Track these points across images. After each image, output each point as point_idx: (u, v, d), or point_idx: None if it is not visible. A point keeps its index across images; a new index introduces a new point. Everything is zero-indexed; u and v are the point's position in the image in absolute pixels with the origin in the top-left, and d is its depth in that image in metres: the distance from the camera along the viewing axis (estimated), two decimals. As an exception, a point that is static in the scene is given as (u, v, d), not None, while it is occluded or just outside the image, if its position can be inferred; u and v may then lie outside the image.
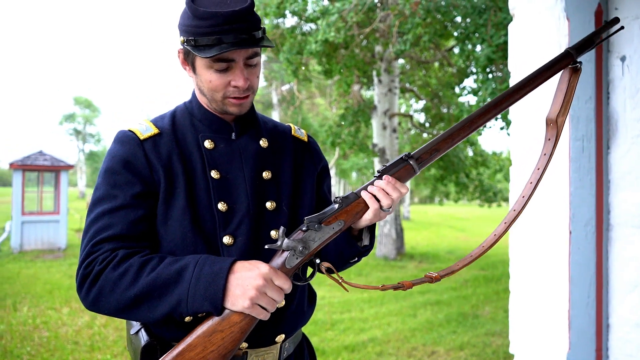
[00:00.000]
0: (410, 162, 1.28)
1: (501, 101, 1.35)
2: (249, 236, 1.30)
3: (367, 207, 1.27)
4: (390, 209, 1.28)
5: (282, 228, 1.20)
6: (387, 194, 1.26)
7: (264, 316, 1.15)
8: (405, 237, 14.73)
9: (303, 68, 11.60)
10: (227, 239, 1.28)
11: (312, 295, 1.49)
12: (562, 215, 1.91)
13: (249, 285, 1.12)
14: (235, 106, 1.31)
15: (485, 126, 11.88)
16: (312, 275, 1.29)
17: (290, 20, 10.47)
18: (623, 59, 1.81)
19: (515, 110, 2.17)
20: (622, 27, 1.47)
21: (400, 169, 1.29)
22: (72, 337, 5.39)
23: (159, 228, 1.28)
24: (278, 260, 1.21)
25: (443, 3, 7.95)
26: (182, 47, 1.31)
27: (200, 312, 1.13)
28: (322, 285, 8.22)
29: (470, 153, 14.97)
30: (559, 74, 1.42)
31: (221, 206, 1.29)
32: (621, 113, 1.81)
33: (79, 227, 17.21)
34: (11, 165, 11.80)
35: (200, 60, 1.27)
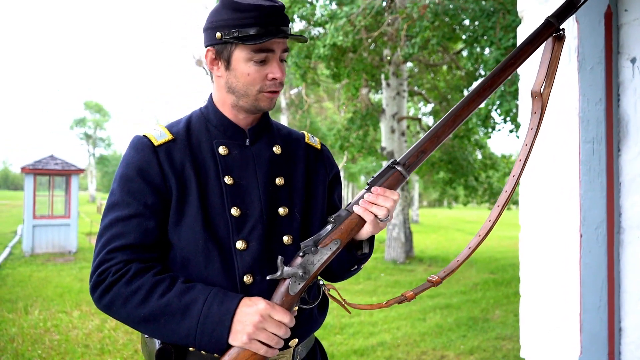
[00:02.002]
0: (398, 169, 1.27)
1: (484, 88, 1.31)
2: (262, 241, 1.31)
3: (363, 221, 1.27)
4: (388, 218, 1.27)
5: (280, 257, 1.23)
6: (380, 205, 1.25)
7: (264, 351, 1.17)
8: (414, 240, 14.68)
9: (311, 72, 11.62)
10: (240, 244, 1.29)
11: (324, 302, 1.50)
12: (573, 218, 1.90)
13: (247, 321, 1.15)
14: (268, 100, 1.33)
15: (494, 129, 11.82)
16: (319, 298, 1.32)
17: (298, 25, 10.49)
18: (633, 60, 1.80)
19: (524, 112, 2.16)
20: None
21: (389, 178, 1.28)
22: (83, 341, 5.42)
23: (171, 235, 1.30)
24: (281, 289, 1.23)
25: (451, 6, 7.94)
26: (212, 46, 1.32)
27: (206, 350, 1.18)
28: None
29: (479, 156, 14.91)
30: (543, 45, 1.35)
31: (234, 211, 1.30)
32: (632, 115, 1.80)
33: (90, 230, 17.35)
34: (23, 169, 11.92)
35: (238, 54, 1.29)
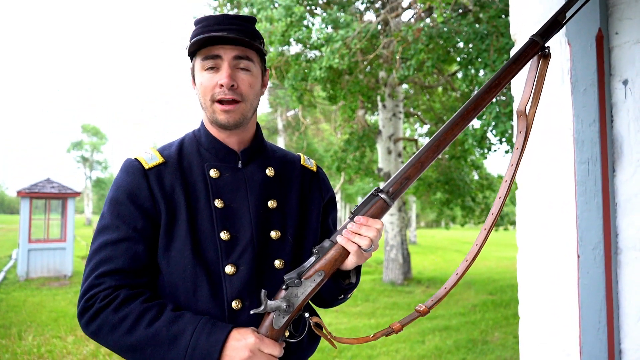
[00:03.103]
0: (382, 196, 1.24)
1: (468, 110, 1.27)
2: (252, 265, 1.29)
3: (347, 252, 1.23)
4: (372, 247, 1.24)
5: (263, 291, 1.20)
6: (363, 235, 1.22)
7: None
8: (412, 261, 14.61)
9: (308, 94, 11.71)
10: (229, 269, 1.27)
11: (313, 332, 1.46)
12: (570, 239, 1.90)
13: (237, 357, 1.14)
14: (223, 114, 1.29)
15: (489, 150, 11.88)
16: (304, 331, 1.28)
17: (294, 48, 10.60)
18: (625, 82, 1.82)
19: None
20: (588, 0, 1.38)
21: (372, 206, 1.24)
22: (77, 366, 5.33)
23: (160, 259, 1.28)
24: (266, 322, 1.21)
25: (445, 29, 8.05)
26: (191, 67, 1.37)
27: None
28: (329, 312, 8.13)
29: (476, 176, 14.95)
30: (529, 64, 1.32)
31: (224, 235, 1.28)
32: (625, 136, 1.81)
33: (85, 254, 17.20)
34: (19, 193, 11.86)
35: (196, 66, 1.32)
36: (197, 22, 1.31)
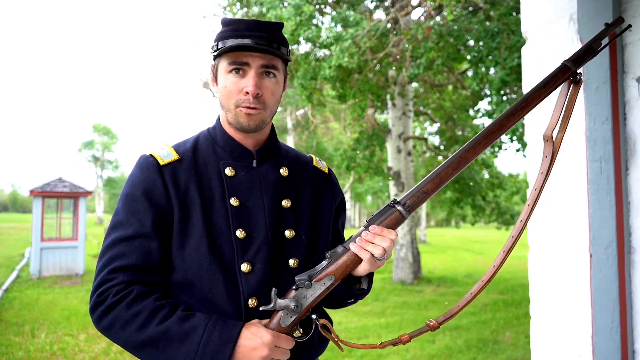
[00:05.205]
0: (398, 208, 1.25)
1: (492, 131, 1.27)
2: (267, 264, 1.30)
3: (359, 259, 1.25)
4: (385, 256, 1.25)
5: (273, 289, 1.23)
6: (376, 244, 1.23)
7: None
8: (422, 260, 14.56)
9: (317, 93, 11.71)
10: (245, 267, 1.28)
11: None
12: (582, 238, 1.88)
13: (255, 356, 1.16)
14: (245, 117, 1.31)
15: (500, 148, 11.79)
16: (310, 332, 1.30)
17: (304, 47, 10.61)
18: (639, 79, 1.80)
19: (532, 131, 2.16)
20: (630, 26, 1.35)
21: (387, 217, 1.26)
22: (89, 364, 5.38)
23: (174, 256, 1.29)
24: (274, 320, 1.23)
25: (455, 27, 8.01)
26: (212, 65, 1.37)
27: None
28: (339, 311, 8.13)
29: (487, 175, 14.86)
30: (559, 89, 1.30)
31: (239, 233, 1.29)
32: (638, 134, 1.79)
33: (97, 253, 17.35)
34: (31, 192, 11.99)
35: (221, 67, 1.32)
36: (226, 23, 1.31)
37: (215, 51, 1.31)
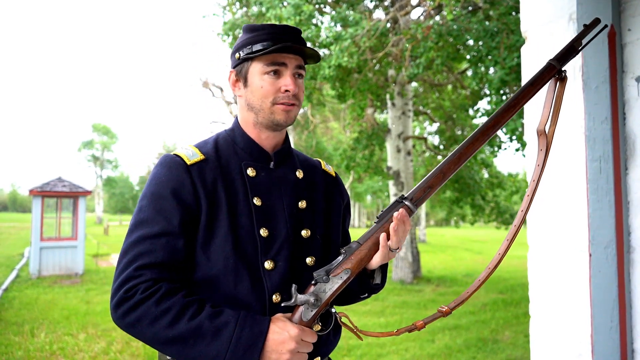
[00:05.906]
0: (406, 203, 1.32)
1: (488, 127, 1.36)
2: (289, 261, 1.36)
3: (371, 252, 1.31)
4: (398, 249, 1.32)
5: (293, 285, 1.27)
6: (407, 227, 1.30)
7: None
8: (422, 260, 14.56)
9: (317, 92, 11.71)
10: (268, 264, 1.33)
11: (337, 325, 1.51)
12: (582, 238, 1.88)
13: (283, 350, 1.19)
14: (283, 113, 1.37)
15: (500, 148, 11.80)
16: (331, 325, 1.35)
17: (303, 46, 10.59)
18: (638, 79, 1.80)
19: (531, 131, 2.16)
20: (606, 26, 1.46)
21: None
22: (89, 364, 5.38)
23: (199, 253, 1.32)
24: (295, 315, 1.27)
25: (455, 27, 8.01)
26: (233, 68, 1.42)
27: None
28: (339, 310, 8.12)
29: (486, 175, 14.87)
30: (546, 86, 1.41)
31: (263, 232, 1.34)
32: (638, 134, 1.79)
33: (96, 252, 17.34)
34: (31, 191, 11.99)
35: (253, 68, 1.37)
36: (256, 29, 1.37)
37: (248, 54, 1.36)
